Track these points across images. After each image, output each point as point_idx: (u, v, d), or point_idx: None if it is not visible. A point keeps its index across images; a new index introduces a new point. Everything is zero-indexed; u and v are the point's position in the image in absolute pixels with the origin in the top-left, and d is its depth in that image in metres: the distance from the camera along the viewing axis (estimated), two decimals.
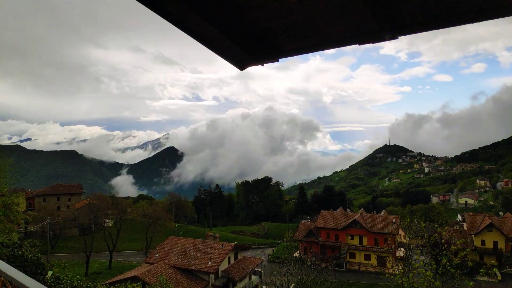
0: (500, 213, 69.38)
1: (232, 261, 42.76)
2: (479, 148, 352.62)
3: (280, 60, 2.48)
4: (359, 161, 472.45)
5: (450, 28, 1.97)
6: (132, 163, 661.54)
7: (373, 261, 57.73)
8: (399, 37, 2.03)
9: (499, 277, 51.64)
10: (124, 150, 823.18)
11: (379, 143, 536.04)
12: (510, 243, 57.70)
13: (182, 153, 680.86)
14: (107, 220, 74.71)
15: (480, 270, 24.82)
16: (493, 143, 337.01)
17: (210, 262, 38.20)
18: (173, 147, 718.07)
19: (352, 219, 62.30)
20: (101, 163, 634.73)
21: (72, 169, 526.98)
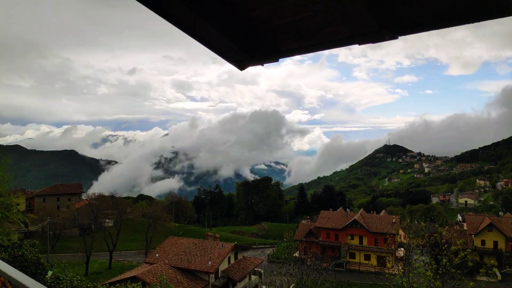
0: (500, 213, 69.37)
1: (232, 261, 42.75)
2: (479, 148, 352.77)
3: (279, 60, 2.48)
4: (359, 161, 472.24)
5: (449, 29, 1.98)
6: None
7: (373, 261, 57.71)
8: (399, 37, 2.03)
9: (499, 277, 51.64)
10: (125, 150, 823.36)
11: (379, 143, 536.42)
12: (510, 243, 57.70)
13: (183, 153, 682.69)
14: (107, 220, 74.72)
15: (480, 270, 24.76)
16: (493, 143, 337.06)
17: (210, 262, 38.18)
18: (173, 147, 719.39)
19: (352, 219, 62.30)
20: (102, 162, 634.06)
21: (72, 169, 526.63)
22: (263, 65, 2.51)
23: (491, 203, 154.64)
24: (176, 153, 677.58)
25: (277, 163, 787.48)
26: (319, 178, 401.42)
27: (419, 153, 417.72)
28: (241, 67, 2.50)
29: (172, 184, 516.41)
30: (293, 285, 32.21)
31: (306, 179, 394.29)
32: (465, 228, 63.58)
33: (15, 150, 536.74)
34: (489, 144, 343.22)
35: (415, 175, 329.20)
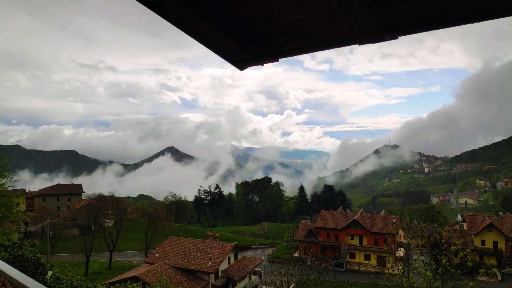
0: (500, 213, 69.26)
1: (232, 261, 42.75)
2: (479, 148, 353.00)
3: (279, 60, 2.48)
4: (359, 161, 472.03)
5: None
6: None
7: (373, 261, 57.70)
8: (399, 37, 2.03)
9: (499, 277, 51.63)
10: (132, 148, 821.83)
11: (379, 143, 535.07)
12: (510, 243, 57.66)
13: (183, 152, 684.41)
14: (107, 220, 74.70)
15: (480, 270, 24.78)
16: (493, 143, 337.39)
17: (210, 262, 38.19)
18: (173, 147, 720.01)
19: (352, 219, 62.28)
20: (101, 163, 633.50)
21: (72, 169, 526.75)
22: (263, 65, 2.51)
23: (491, 203, 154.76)
24: (178, 152, 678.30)
25: (283, 164, 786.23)
26: (319, 178, 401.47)
27: (419, 153, 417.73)
28: (241, 67, 2.50)
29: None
30: (293, 285, 32.21)
31: None
32: (465, 228, 63.55)
33: (15, 150, 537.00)
34: (489, 144, 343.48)
35: (415, 175, 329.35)
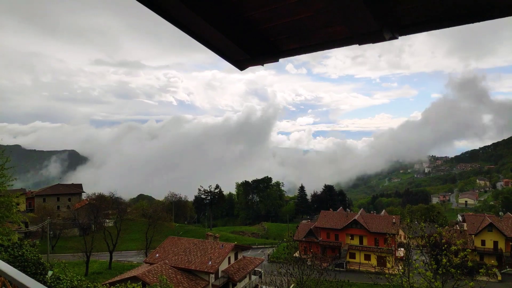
0: (500, 213, 69.43)
1: (232, 261, 42.76)
2: (479, 148, 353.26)
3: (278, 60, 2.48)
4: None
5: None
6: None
7: (373, 261, 57.67)
8: (399, 37, 2.03)
9: (499, 277, 51.64)
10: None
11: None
12: (510, 243, 57.67)
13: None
14: (107, 220, 74.77)
15: (480, 270, 24.77)
16: (493, 143, 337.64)
17: (210, 262, 38.20)
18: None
19: (352, 219, 62.29)
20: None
21: (72, 169, 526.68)
22: (263, 65, 2.51)
23: (491, 203, 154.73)
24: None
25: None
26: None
27: (419, 153, 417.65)
28: (241, 67, 2.50)
29: None
30: (293, 285, 32.22)
31: None
32: (465, 228, 63.58)
33: (15, 150, 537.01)
34: (489, 144, 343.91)
35: (415, 175, 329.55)
